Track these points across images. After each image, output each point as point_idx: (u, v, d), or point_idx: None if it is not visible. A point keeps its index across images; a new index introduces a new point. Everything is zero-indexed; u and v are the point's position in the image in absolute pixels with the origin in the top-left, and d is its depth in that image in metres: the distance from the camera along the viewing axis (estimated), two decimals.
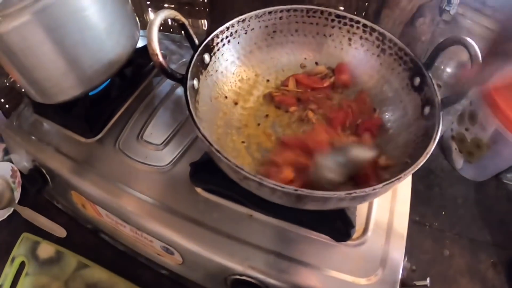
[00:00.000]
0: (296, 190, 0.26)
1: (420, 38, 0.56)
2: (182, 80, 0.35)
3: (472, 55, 0.35)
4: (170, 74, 0.34)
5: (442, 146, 0.72)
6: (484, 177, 0.69)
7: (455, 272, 0.61)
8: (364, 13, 0.59)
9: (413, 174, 0.59)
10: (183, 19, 0.36)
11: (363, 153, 0.36)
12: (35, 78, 0.46)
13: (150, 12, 0.77)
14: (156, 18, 0.33)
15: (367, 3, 0.58)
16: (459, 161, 0.68)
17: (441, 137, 0.72)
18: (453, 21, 0.61)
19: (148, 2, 0.75)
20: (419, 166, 0.31)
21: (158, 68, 0.34)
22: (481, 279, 0.60)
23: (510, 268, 0.61)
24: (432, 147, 0.33)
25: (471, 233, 0.65)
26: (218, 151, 0.29)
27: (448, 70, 0.65)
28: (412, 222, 0.64)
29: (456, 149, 0.68)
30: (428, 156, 0.32)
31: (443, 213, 0.66)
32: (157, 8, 0.76)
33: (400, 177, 0.29)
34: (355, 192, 0.27)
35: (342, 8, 0.61)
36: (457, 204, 0.67)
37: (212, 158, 0.32)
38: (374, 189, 0.27)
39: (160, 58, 0.33)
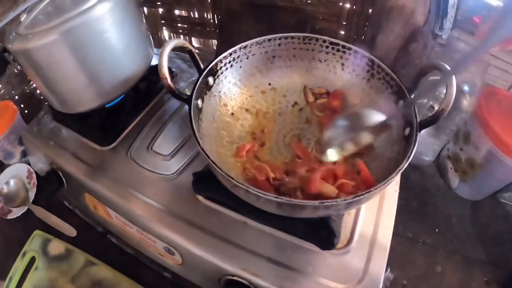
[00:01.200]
0: (276, 197, 0.32)
1: (414, 62, 0.62)
2: (187, 100, 0.42)
3: (446, 78, 0.40)
4: (177, 95, 0.41)
5: (439, 165, 0.77)
6: (479, 197, 0.73)
7: None
8: (363, 37, 0.66)
9: (408, 192, 0.64)
10: (190, 47, 0.44)
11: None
12: (58, 90, 0.53)
13: (164, 30, 0.85)
14: (166, 47, 0.40)
15: (365, 28, 0.65)
16: (454, 180, 0.73)
17: (438, 157, 0.76)
18: (449, 44, 0.67)
19: (162, 21, 0.84)
20: (390, 183, 0.36)
21: (166, 90, 0.41)
22: None
23: (505, 286, 0.63)
24: (405, 165, 0.38)
25: (464, 251, 0.68)
26: (213, 162, 0.36)
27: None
28: (405, 238, 0.69)
29: (451, 168, 0.72)
30: (399, 173, 0.37)
31: (436, 230, 0.70)
32: (171, 27, 0.84)
33: (370, 191, 0.35)
34: (327, 201, 0.33)
35: (342, 32, 0.67)
36: (451, 222, 0.71)
37: (209, 168, 0.38)
38: (344, 200, 0.33)
39: (169, 81, 0.40)
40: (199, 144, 0.37)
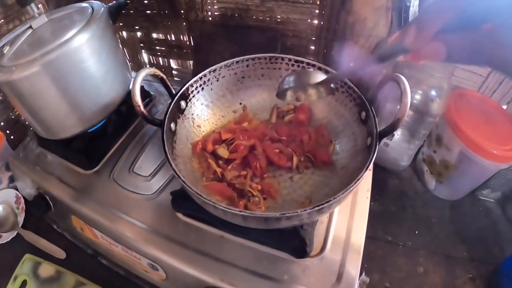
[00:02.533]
0: (240, 211, 0.36)
1: (381, 72, 0.66)
2: (160, 125, 0.46)
3: (402, 89, 0.42)
4: (150, 120, 0.45)
5: (415, 169, 0.81)
6: (457, 196, 0.77)
7: (430, 287, 0.68)
8: (332, 52, 0.71)
9: (386, 197, 0.67)
10: (161, 74, 0.48)
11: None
12: (41, 118, 0.56)
13: (143, 53, 0.90)
14: (138, 77, 0.44)
15: (334, 43, 0.69)
16: (431, 182, 0.77)
17: (414, 160, 0.80)
18: None
19: (141, 45, 0.88)
20: (350, 191, 0.40)
21: (140, 116, 0.45)
22: None
23: (490, 281, 0.66)
24: (364, 174, 0.41)
25: (446, 250, 0.71)
26: (184, 182, 0.39)
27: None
28: (384, 242, 0.72)
29: (427, 171, 0.76)
30: (358, 183, 0.40)
31: (416, 232, 0.73)
32: (150, 49, 0.89)
33: (330, 201, 0.38)
34: (288, 213, 0.36)
35: (312, 47, 0.72)
36: (431, 223, 0.75)
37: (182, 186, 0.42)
38: (305, 210, 0.37)
39: (142, 109, 0.44)
40: (171, 165, 0.41)
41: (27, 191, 0.71)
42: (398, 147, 0.76)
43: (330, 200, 0.39)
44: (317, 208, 0.38)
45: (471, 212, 0.77)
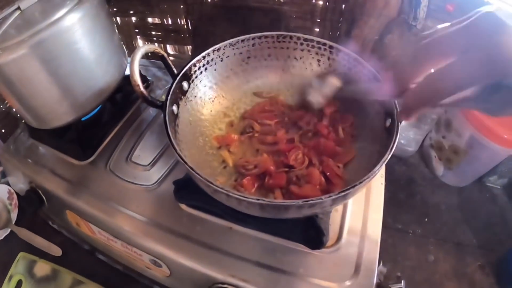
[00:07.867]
0: (257, 199, 0.31)
1: (390, 53, 0.61)
2: (162, 107, 0.40)
3: None
4: (150, 102, 0.39)
5: (423, 155, 0.76)
6: (465, 182, 0.72)
7: (441, 276, 0.63)
8: (338, 33, 0.65)
9: (394, 184, 0.63)
10: (162, 52, 0.42)
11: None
12: (31, 105, 0.51)
13: (138, 39, 0.84)
14: (137, 53, 0.38)
15: (340, 24, 0.64)
16: (439, 168, 0.72)
17: (421, 146, 0.76)
18: None
19: (136, 30, 0.82)
20: (375, 175, 0.35)
21: (140, 98, 0.39)
22: (469, 281, 0.62)
23: (499, 269, 0.63)
24: (388, 156, 0.36)
25: (455, 238, 0.67)
26: (191, 168, 0.34)
27: None
28: (394, 230, 0.68)
29: (435, 156, 0.72)
30: (383, 165, 0.36)
31: (426, 219, 0.69)
32: (145, 35, 0.82)
33: (355, 185, 0.33)
34: (311, 200, 0.31)
35: (317, 29, 0.66)
36: (440, 210, 0.71)
37: (189, 174, 0.37)
38: (330, 196, 0.32)
39: (142, 88, 0.38)
40: (175, 150, 0.36)
41: (19, 186, 0.65)
42: (406, 132, 0.71)
43: (356, 185, 0.34)
44: (342, 193, 0.33)
45: (479, 199, 0.74)
